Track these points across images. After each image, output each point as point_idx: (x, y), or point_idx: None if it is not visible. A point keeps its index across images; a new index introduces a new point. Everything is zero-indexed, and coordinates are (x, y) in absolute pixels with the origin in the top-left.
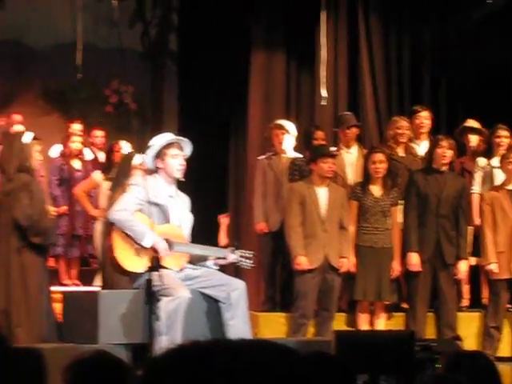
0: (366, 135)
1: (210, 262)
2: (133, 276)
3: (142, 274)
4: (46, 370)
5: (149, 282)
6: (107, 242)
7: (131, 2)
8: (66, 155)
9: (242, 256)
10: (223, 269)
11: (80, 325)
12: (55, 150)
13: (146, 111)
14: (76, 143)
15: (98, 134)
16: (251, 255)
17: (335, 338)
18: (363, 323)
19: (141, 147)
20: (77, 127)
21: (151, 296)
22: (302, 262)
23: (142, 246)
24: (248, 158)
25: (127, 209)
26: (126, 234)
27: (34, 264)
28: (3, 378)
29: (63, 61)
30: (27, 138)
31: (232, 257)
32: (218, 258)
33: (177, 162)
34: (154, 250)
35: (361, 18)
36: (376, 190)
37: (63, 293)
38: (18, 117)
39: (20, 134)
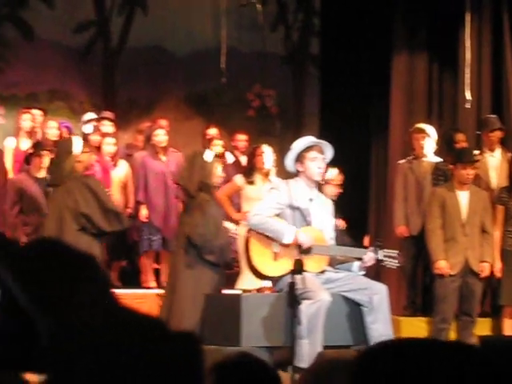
0: (510, 139)
1: (355, 267)
2: (274, 279)
3: (283, 277)
4: (203, 355)
5: (291, 285)
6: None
7: (273, 6)
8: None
9: (386, 256)
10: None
11: (222, 327)
12: None
13: (288, 115)
14: (217, 147)
15: (241, 138)
16: (396, 254)
17: (479, 343)
18: (509, 329)
19: (282, 151)
20: (213, 132)
21: (293, 299)
22: (442, 265)
23: (285, 245)
24: (389, 162)
25: (263, 213)
26: (264, 239)
27: (206, 280)
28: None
29: (205, 66)
30: (209, 155)
31: (374, 257)
32: (359, 259)
33: (316, 164)
34: (297, 244)
35: (505, 19)
36: None
37: (206, 295)
38: (163, 122)
39: (202, 152)
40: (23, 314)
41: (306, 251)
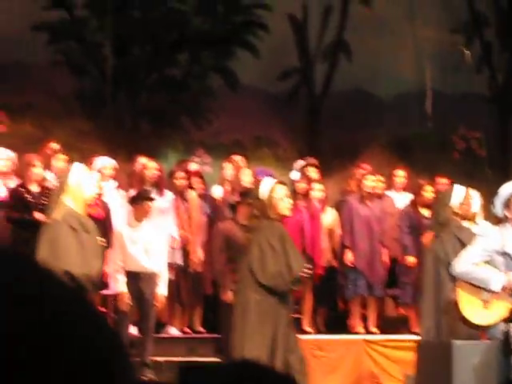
0: None
1: None
2: (486, 328)
3: (495, 325)
4: None
5: (506, 333)
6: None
7: (477, 47)
8: (415, 204)
9: None
10: None
11: (434, 375)
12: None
13: (495, 157)
14: (428, 193)
15: (442, 182)
16: None
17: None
18: None
19: (490, 195)
20: (401, 174)
21: (508, 348)
22: None
23: (493, 292)
24: None
25: (469, 261)
26: (472, 286)
27: None
28: None
29: (409, 109)
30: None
31: None
32: None
33: None
34: (505, 290)
35: None
36: None
37: (417, 342)
38: (366, 166)
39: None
40: None
41: None
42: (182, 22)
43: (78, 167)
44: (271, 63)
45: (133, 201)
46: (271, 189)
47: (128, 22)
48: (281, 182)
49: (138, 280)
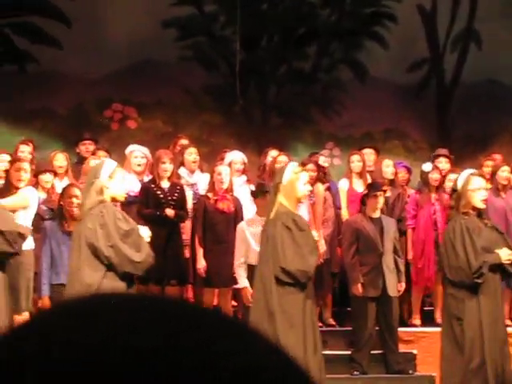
0: None
1: None
2: None
3: None
4: None
5: None
6: None
7: None
8: None
9: None
10: None
11: None
12: None
13: None
14: None
15: None
16: None
17: None
18: None
19: None
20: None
21: None
22: None
23: None
24: None
25: None
26: None
27: None
28: None
29: None
30: None
31: None
32: None
33: None
34: None
35: None
36: None
37: None
38: (497, 156)
39: None
40: None
41: None
42: (310, 14)
43: (291, 166)
44: (400, 54)
45: (253, 195)
46: (466, 180)
47: (256, 16)
48: (478, 174)
49: None
